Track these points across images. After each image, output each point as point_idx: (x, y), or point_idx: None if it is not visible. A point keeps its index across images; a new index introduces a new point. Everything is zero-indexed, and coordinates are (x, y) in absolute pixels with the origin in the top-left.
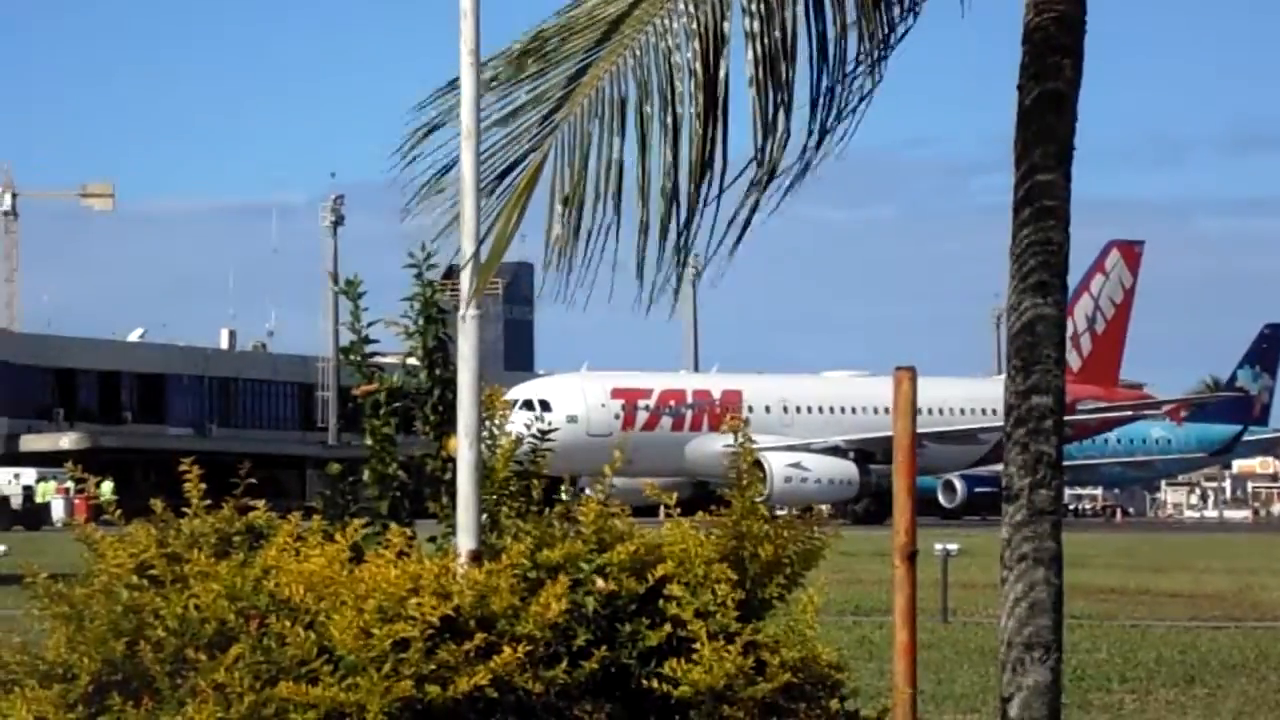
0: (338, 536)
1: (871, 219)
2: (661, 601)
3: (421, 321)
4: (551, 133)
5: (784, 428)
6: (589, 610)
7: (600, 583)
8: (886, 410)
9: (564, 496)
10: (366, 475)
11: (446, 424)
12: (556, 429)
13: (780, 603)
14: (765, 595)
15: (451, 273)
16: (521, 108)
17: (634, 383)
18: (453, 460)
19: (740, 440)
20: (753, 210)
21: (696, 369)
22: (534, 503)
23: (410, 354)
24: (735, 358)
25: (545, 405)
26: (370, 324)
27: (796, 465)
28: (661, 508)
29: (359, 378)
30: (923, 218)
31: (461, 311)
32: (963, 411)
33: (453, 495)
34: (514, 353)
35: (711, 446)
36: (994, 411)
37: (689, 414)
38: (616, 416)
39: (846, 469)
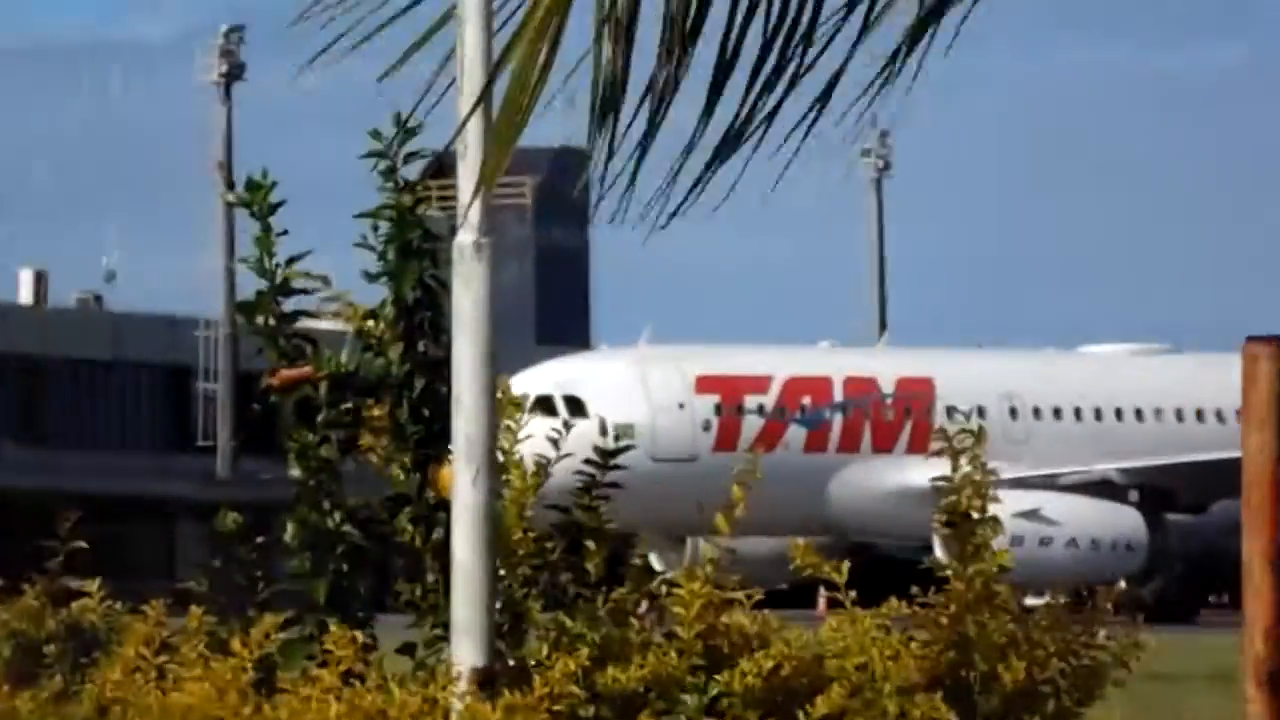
0: (235, 644)
1: (1181, 69)
2: None
3: (393, 256)
4: None
5: (1012, 446)
6: None
7: None
8: (1199, 415)
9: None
10: (289, 533)
11: (435, 442)
12: (626, 447)
13: None
14: None
15: (443, 169)
16: None
17: (736, 365)
18: (445, 506)
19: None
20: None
21: (883, 330)
22: (588, 583)
23: (371, 315)
24: (920, 323)
25: (575, 406)
26: (293, 260)
27: (1033, 514)
28: (821, 591)
29: (275, 358)
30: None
31: (465, 227)
32: None
33: (445, 570)
34: (555, 311)
35: (881, 479)
36: None
37: (837, 420)
38: (706, 426)
39: (1124, 520)
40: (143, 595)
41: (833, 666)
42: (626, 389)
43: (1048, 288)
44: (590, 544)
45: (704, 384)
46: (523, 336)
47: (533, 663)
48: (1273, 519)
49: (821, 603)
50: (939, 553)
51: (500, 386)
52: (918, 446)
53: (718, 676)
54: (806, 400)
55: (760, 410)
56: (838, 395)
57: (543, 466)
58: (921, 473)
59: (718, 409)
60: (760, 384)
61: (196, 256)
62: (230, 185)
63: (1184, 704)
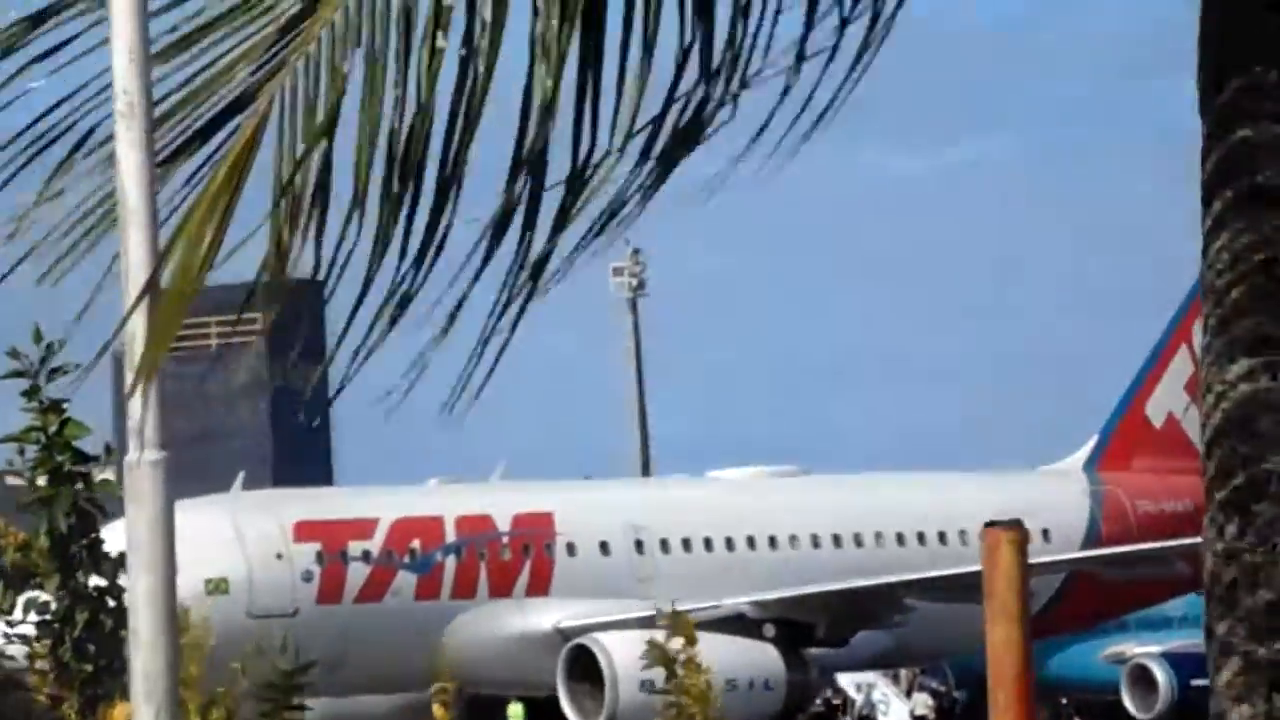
0: None
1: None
2: None
3: (44, 480)
4: (275, 76)
5: (640, 583)
6: None
7: None
8: (836, 540)
9: None
10: None
11: (104, 678)
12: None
13: None
14: None
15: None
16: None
17: (338, 509)
18: None
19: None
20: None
21: (646, 469)
22: None
23: (24, 547)
24: (546, 454)
25: None
26: None
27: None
28: None
29: None
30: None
31: (135, 442)
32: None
33: None
34: (294, 452)
35: (500, 625)
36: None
37: (450, 563)
38: (307, 577)
39: (760, 658)
40: None
41: None
42: (219, 541)
43: (672, 415)
44: None
45: (303, 530)
46: (260, 481)
47: None
48: (1023, 691)
49: None
50: (566, 707)
51: None
52: (538, 588)
53: None
54: (416, 543)
55: (366, 556)
56: (450, 536)
57: None
58: (544, 617)
59: (319, 557)
60: (364, 528)
61: None
62: None
63: None
